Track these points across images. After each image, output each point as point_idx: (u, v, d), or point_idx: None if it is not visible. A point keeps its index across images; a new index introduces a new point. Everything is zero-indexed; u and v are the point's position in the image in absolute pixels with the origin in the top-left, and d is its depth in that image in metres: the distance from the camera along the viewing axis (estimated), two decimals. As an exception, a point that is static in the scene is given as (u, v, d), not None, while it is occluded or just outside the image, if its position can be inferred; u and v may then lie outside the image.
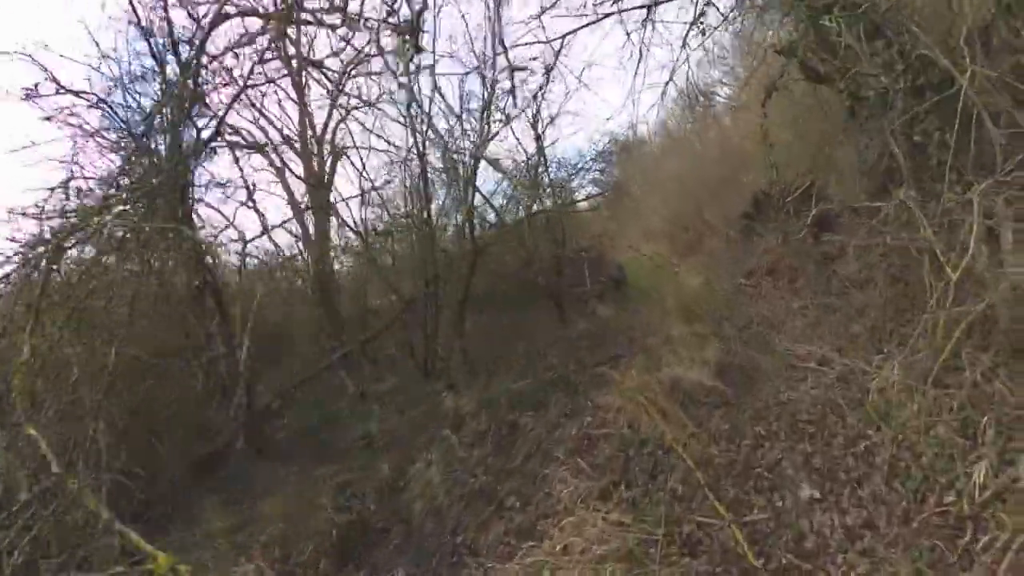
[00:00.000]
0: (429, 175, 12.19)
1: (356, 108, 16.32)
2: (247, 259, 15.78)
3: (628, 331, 11.42)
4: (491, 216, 15.15)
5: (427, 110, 12.25)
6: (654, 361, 8.29)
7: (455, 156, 11.90)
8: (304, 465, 9.21)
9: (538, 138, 13.97)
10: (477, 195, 14.02)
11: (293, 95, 15.85)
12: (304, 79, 16.15)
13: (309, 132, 16.72)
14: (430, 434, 8.76)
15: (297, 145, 16.69)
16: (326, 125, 16.79)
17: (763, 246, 14.76)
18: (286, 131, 16.64)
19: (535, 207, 13.78)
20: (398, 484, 7.62)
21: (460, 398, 9.44)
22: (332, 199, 16.41)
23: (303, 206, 16.62)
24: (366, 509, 7.31)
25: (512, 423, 8.00)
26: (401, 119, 12.57)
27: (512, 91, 12.35)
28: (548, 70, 13.50)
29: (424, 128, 11.92)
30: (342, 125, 16.67)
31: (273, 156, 16.38)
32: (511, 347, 12.01)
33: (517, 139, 14.15)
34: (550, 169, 14.60)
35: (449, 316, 11.83)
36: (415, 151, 11.89)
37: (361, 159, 17.12)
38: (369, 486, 7.80)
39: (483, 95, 12.39)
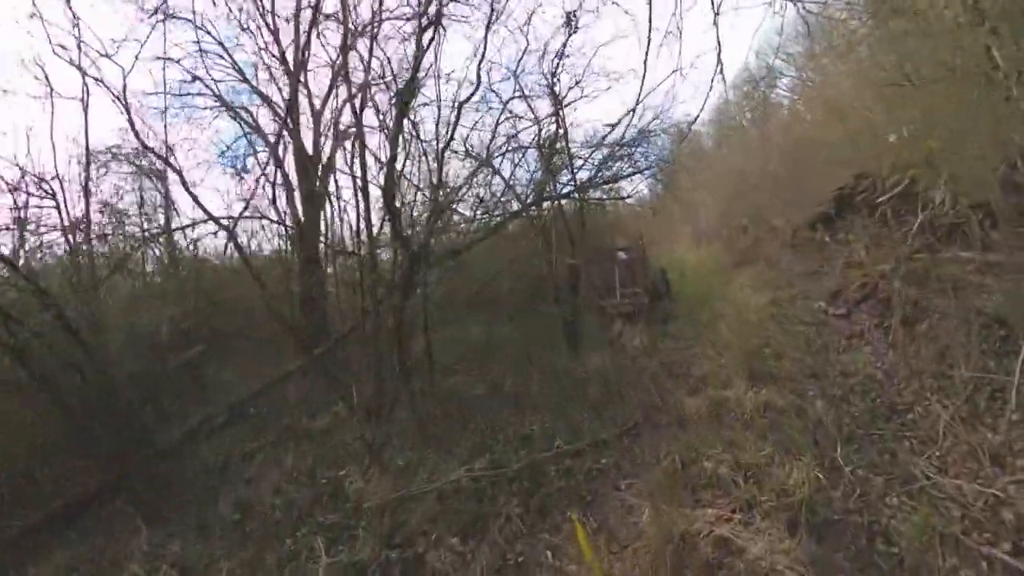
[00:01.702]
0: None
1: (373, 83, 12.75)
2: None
3: (661, 379, 7.63)
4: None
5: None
6: (685, 473, 4.60)
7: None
8: (159, 535, 6.13)
9: (556, 104, 10.17)
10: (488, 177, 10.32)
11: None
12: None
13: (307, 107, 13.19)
14: (305, 537, 5.42)
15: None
16: (326, 99, 13.23)
17: (847, 257, 10.63)
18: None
19: (547, 191, 9.92)
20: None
21: (373, 481, 5.98)
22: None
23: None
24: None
25: (414, 559, 4.57)
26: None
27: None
28: (571, 19, 9.73)
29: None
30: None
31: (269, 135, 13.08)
32: (491, 387, 8.41)
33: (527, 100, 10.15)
34: (571, 147, 10.66)
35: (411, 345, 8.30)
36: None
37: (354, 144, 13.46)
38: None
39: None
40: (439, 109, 8.99)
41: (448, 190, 8.66)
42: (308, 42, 11.80)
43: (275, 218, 11.37)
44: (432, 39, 8.25)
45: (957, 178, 9.46)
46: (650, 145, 12.15)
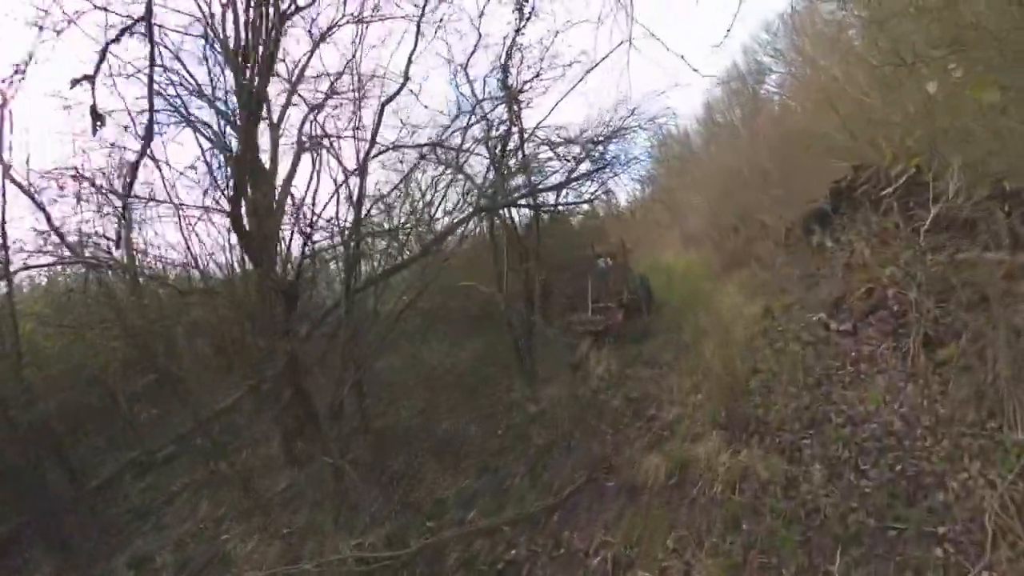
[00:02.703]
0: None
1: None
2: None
3: (621, 422, 6.00)
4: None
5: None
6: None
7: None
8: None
9: (511, 100, 8.55)
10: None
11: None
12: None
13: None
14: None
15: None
16: (286, 107, 11.57)
17: (848, 258, 8.97)
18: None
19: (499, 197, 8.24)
20: None
21: (260, 546, 4.59)
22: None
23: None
24: None
25: None
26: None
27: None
28: (522, 4, 8.22)
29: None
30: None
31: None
32: (424, 428, 6.86)
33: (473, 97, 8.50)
34: (528, 147, 9.06)
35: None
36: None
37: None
38: None
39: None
40: (358, 109, 7.46)
41: (368, 203, 7.08)
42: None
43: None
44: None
45: (972, 164, 7.84)
46: (625, 143, 10.56)
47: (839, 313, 7.52)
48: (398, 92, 7.40)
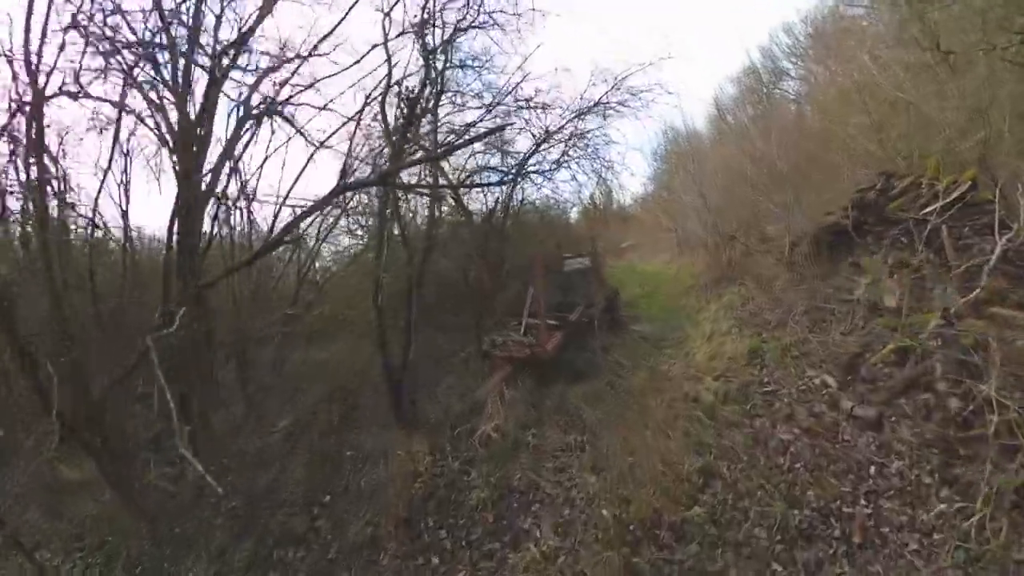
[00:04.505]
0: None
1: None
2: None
3: (473, 532, 3.80)
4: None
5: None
6: None
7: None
8: None
9: (428, 55, 6.03)
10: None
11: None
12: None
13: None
14: None
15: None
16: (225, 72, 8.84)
17: (872, 293, 6.45)
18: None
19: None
20: None
21: None
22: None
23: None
24: None
25: None
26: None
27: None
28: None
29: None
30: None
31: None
32: (247, 472, 4.60)
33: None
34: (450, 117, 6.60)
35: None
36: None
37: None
38: None
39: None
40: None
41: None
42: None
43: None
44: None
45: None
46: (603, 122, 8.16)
47: (856, 382, 4.96)
48: (240, 40, 4.93)
